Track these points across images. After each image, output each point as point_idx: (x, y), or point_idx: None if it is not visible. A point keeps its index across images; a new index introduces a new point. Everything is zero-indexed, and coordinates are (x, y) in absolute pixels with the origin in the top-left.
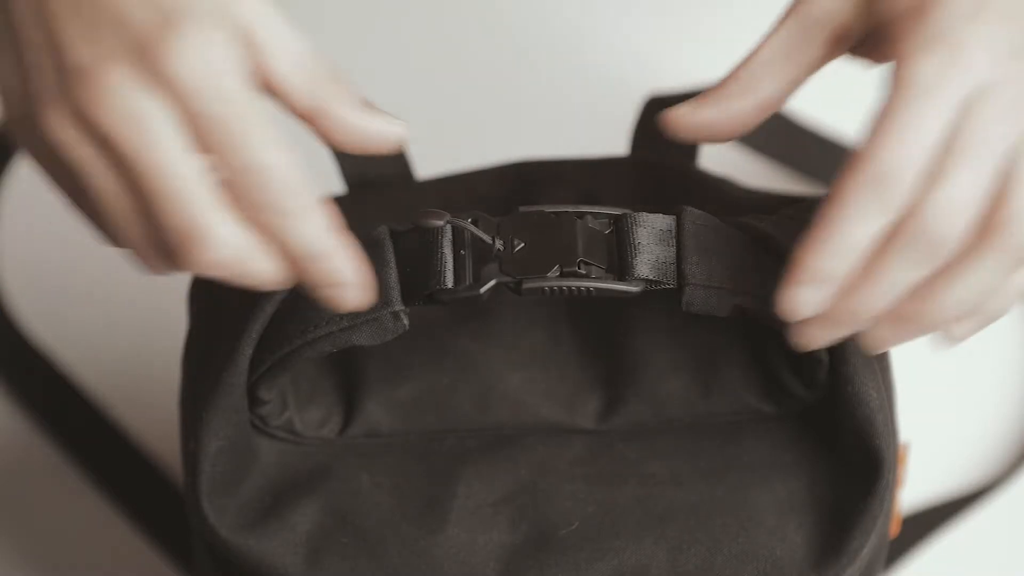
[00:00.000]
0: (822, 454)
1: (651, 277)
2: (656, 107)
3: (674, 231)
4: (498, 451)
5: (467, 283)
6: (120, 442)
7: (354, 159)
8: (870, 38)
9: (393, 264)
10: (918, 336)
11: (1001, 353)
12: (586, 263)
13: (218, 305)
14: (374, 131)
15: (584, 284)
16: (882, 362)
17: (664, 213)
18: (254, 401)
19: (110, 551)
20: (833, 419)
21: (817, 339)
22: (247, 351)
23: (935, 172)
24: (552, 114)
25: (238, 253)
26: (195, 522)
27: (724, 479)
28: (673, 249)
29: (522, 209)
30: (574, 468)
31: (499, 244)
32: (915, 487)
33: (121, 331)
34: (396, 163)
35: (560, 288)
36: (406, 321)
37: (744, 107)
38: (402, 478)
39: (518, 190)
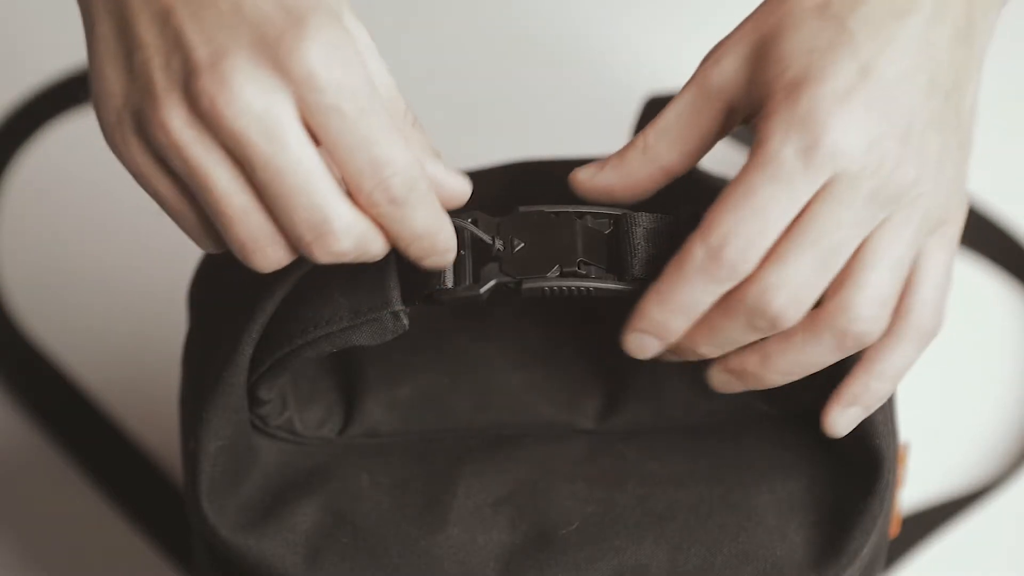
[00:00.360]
0: (822, 454)
1: (651, 277)
2: (656, 107)
3: (673, 231)
4: (498, 451)
5: (467, 283)
6: (120, 442)
7: None
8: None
9: (393, 264)
10: (758, 387)
11: (1001, 353)
12: (585, 263)
13: (218, 305)
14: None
15: (584, 284)
16: None
17: (663, 214)
18: (254, 401)
19: (110, 551)
20: None
21: (663, 358)
22: (247, 351)
23: (777, 251)
24: (552, 115)
25: (360, 241)
26: (195, 522)
27: (724, 479)
28: (672, 249)
29: (522, 209)
30: (574, 468)
31: (499, 244)
32: (915, 487)
33: (121, 331)
34: None
35: (560, 288)
36: (406, 321)
37: (641, 175)
38: (402, 478)
39: (517, 190)
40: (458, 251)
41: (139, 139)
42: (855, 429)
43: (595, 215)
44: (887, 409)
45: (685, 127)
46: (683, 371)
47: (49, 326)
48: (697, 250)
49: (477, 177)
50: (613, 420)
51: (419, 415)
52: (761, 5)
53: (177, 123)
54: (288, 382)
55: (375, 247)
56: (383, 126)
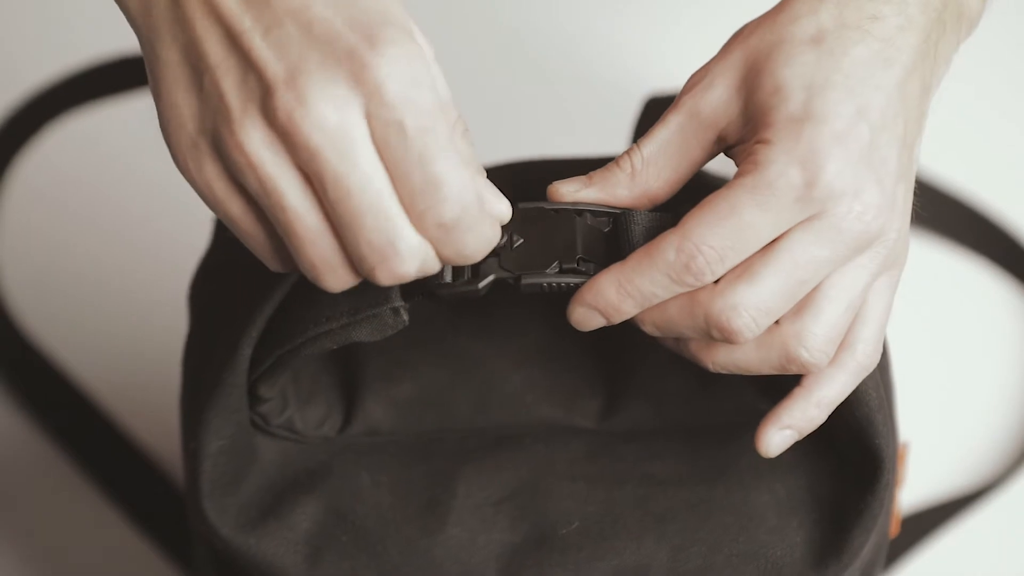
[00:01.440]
0: (822, 453)
1: None
2: (656, 108)
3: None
4: (498, 450)
5: (465, 278)
6: (119, 442)
7: None
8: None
9: None
10: (692, 362)
11: (1001, 353)
12: (585, 260)
13: (218, 305)
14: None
15: (583, 280)
16: (880, 362)
17: (662, 212)
18: (255, 399)
19: (110, 550)
20: (832, 418)
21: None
22: (247, 351)
23: (749, 271)
24: (552, 114)
25: (424, 263)
26: (195, 521)
27: (724, 478)
28: None
29: (522, 205)
30: (574, 468)
31: (501, 239)
32: (915, 487)
33: (121, 331)
34: None
35: (559, 284)
36: (406, 317)
37: (625, 199)
38: (402, 477)
39: (517, 189)
40: None
41: (215, 162)
42: (855, 429)
43: (594, 213)
44: (886, 408)
45: (674, 155)
46: (683, 370)
47: (49, 326)
48: (669, 249)
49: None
50: (613, 420)
51: (419, 414)
52: (746, 29)
53: (255, 142)
54: (289, 381)
55: (433, 268)
56: (442, 147)
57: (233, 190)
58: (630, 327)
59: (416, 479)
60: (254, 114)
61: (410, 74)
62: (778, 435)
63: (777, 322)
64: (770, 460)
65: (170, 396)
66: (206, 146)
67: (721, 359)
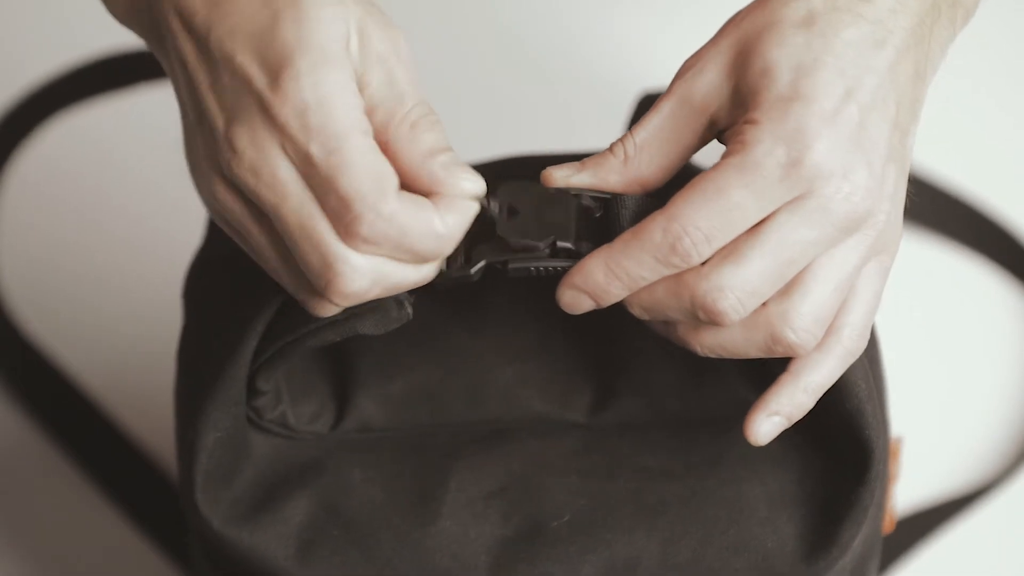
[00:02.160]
0: (813, 446)
1: None
2: (649, 105)
3: None
4: (490, 445)
5: (459, 263)
6: (118, 440)
7: None
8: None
9: None
10: (679, 344)
11: (1001, 353)
12: (578, 241)
13: (216, 299)
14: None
15: (571, 264)
16: (871, 353)
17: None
18: (252, 391)
19: (110, 550)
20: (823, 410)
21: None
22: (252, 343)
23: (735, 252)
24: (546, 110)
25: (377, 279)
26: (189, 514)
27: (715, 471)
28: None
29: (515, 182)
30: (566, 461)
31: (495, 207)
32: (914, 487)
33: (120, 330)
34: None
35: (547, 268)
36: (410, 310)
37: (617, 186)
38: (394, 472)
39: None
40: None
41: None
42: (845, 421)
43: (589, 198)
44: (876, 401)
45: (666, 141)
46: (675, 363)
47: (48, 325)
48: (655, 231)
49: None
50: (605, 414)
51: (412, 410)
52: (737, 16)
53: (219, 191)
54: (282, 377)
55: (398, 279)
56: (348, 164)
57: (250, 215)
58: (622, 320)
59: (408, 474)
60: (213, 165)
61: (313, 101)
62: (767, 422)
63: (764, 304)
64: (761, 453)
65: (170, 395)
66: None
67: (708, 341)
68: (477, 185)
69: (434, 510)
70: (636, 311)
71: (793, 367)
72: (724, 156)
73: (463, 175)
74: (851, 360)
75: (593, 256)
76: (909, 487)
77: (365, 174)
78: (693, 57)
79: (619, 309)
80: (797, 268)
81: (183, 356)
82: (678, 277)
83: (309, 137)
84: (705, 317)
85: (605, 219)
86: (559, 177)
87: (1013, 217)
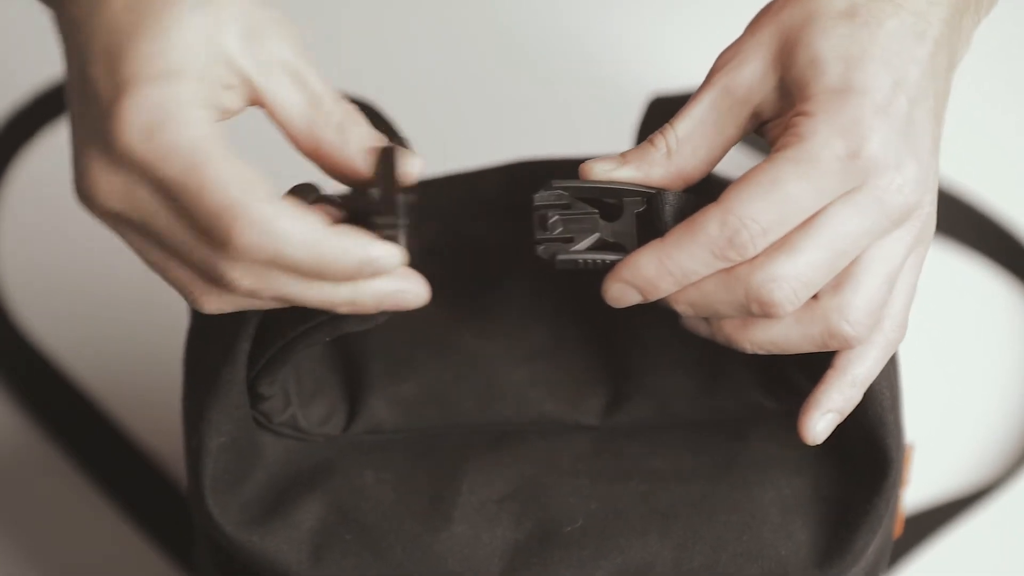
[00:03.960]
0: (828, 451)
1: None
2: (660, 107)
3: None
4: (502, 447)
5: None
6: (120, 442)
7: None
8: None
9: None
10: (725, 344)
11: (1001, 353)
12: (621, 235)
13: None
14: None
15: (619, 257)
16: (893, 360)
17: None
18: (255, 397)
19: (110, 550)
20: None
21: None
22: (244, 347)
23: (790, 243)
24: (556, 114)
25: (246, 299)
26: (199, 519)
27: (729, 476)
28: None
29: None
30: (578, 464)
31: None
32: (916, 487)
33: (121, 331)
34: None
35: (595, 261)
36: None
37: (659, 179)
38: (406, 474)
39: (520, 190)
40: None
41: None
42: (864, 429)
43: (628, 192)
44: (897, 409)
45: (709, 133)
46: (688, 366)
47: (48, 326)
48: (712, 224)
49: (479, 176)
50: (617, 416)
51: (423, 412)
52: (773, 6)
53: (96, 214)
54: (291, 379)
55: (307, 297)
56: (205, 179)
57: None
58: (634, 322)
59: (420, 476)
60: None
61: (151, 125)
62: (823, 420)
63: (815, 297)
64: (774, 457)
65: (170, 395)
66: None
67: (759, 337)
68: (413, 169)
69: (446, 514)
70: (682, 307)
71: (839, 361)
72: (777, 148)
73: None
74: (892, 351)
75: (644, 250)
76: (911, 487)
77: (231, 182)
78: (731, 49)
79: (632, 311)
80: (849, 259)
81: (188, 361)
82: (730, 270)
83: (157, 164)
84: (759, 309)
85: (647, 215)
86: (601, 171)
87: (1013, 217)
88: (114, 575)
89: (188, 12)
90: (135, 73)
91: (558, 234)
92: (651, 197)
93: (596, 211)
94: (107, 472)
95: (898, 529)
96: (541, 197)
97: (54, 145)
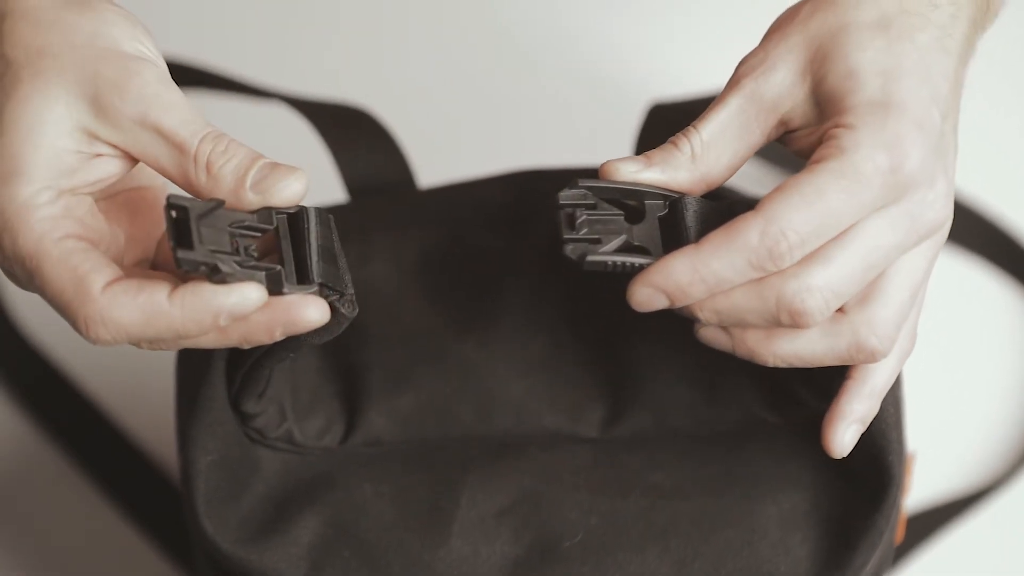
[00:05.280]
0: (828, 467)
1: None
2: (660, 114)
3: (725, 217)
4: (501, 460)
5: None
6: (120, 442)
7: (355, 167)
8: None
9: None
10: (745, 357)
11: (1001, 354)
12: (646, 240)
13: None
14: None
15: (649, 261)
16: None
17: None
18: (242, 415)
19: (110, 550)
20: None
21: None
22: (219, 365)
23: (824, 254)
24: (556, 122)
25: (116, 338)
26: (196, 535)
27: (728, 490)
28: None
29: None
30: (577, 478)
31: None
32: (915, 489)
33: None
34: (398, 171)
35: (624, 263)
36: (346, 311)
37: (684, 183)
38: (405, 487)
39: (521, 199)
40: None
41: None
42: (867, 445)
43: (650, 195)
44: (900, 426)
45: (734, 138)
46: (688, 379)
47: (48, 326)
48: (752, 232)
49: (480, 185)
50: (617, 429)
51: (421, 424)
52: (801, 13)
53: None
54: (287, 393)
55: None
56: (49, 280)
57: None
58: (633, 334)
59: (418, 489)
60: None
61: (2, 226)
62: (848, 432)
63: (841, 310)
64: (774, 471)
65: (169, 396)
66: None
67: (784, 349)
68: (296, 188)
69: (445, 529)
70: (707, 314)
71: (857, 373)
72: (817, 160)
73: (278, 183)
74: (905, 361)
75: (678, 255)
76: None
77: (65, 284)
78: (758, 54)
79: (629, 323)
80: (878, 272)
81: (178, 376)
82: (761, 279)
83: (11, 262)
84: (788, 320)
85: (670, 219)
86: (626, 172)
87: (1013, 219)
88: (114, 575)
89: (23, 102)
90: None
91: (584, 234)
92: (674, 201)
93: (622, 213)
94: (107, 473)
95: (899, 534)
96: (566, 196)
97: None
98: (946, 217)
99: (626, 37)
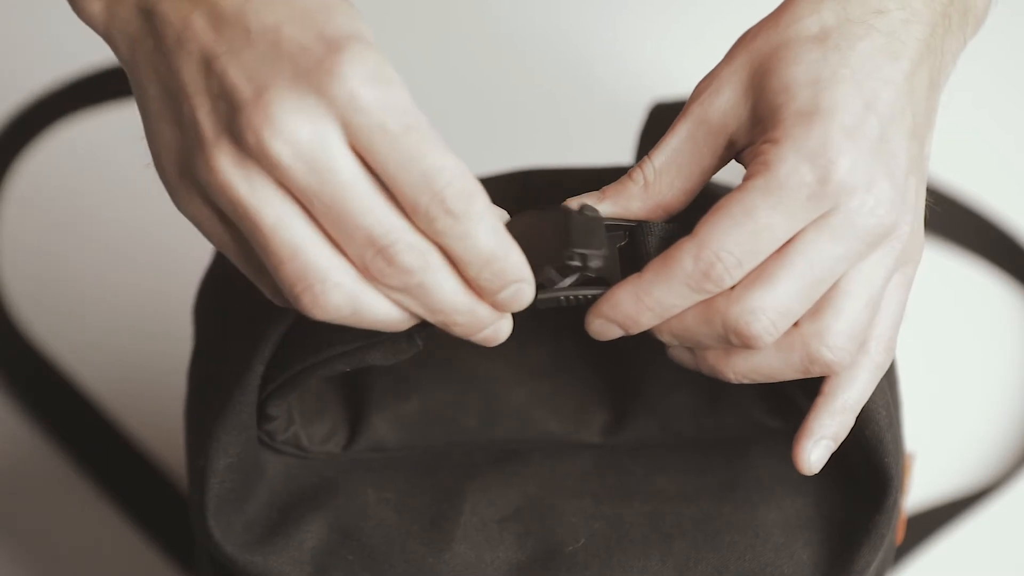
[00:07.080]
0: (829, 470)
1: None
2: (661, 114)
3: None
4: (504, 466)
5: None
6: (120, 443)
7: None
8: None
9: None
10: (710, 375)
11: (1001, 354)
12: (581, 254)
13: (226, 321)
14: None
15: (600, 292)
16: (890, 378)
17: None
18: (263, 417)
19: (110, 551)
20: None
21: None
22: (259, 369)
23: (765, 274)
24: (557, 122)
25: (424, 271)
26: (201, 538)
27: (731, 495)
28: None
29: (518, 215)
30: (581, 483)
31: None
32: (915, 489)
33: (121, 332)
34: None
35: (576, 297)
36: (420, 342)
37: (639, 212)
38: (408, 493)
39: (522, 199)
40: None
41: (195, 189)
42: (864, 447)
43: (609, 227)
44: (895, 427)
45: (686, 164)
46: (690, 384)
47: (49, 327)
48: (686, 259)
49: (488, 184)
50: (620, 435)
51: (425, 430)
52: (748, 35)
53: (225, 165)
54: (294, 398)
55: (430, 285)
56: (430, 139)
57: (217, 218)
58: (637, 341)
59: (422, 495)
60: (226, 138)
61: (379, 78)
62: (816, 448)
63: (796, 324)
64: (776, 477)
65: (170, 397)
66: (188, 176)
67: (741, 367)
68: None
69: (448, 534)
70: (666, 338)
71: (827, 388)
72: (747, 177)
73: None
74: (881, 373)
75: (622, 286)
76: (910, 489)
77: (446, 157)
78: (708, 78)
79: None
80: (827, 285)
81: (193, 377)
82: (708, 302)
83: (385, 111)
84: (738, 341)
85: (631, 246)
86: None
87: (1013, 218)
88: (114, 575)
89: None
90: (349, 36)
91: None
92: (632, 230)
93: None
94: (107, 473)
95: (900, 535)
96: None
97: (55, 146)
98: (893, 223)
99: (626, 37)
